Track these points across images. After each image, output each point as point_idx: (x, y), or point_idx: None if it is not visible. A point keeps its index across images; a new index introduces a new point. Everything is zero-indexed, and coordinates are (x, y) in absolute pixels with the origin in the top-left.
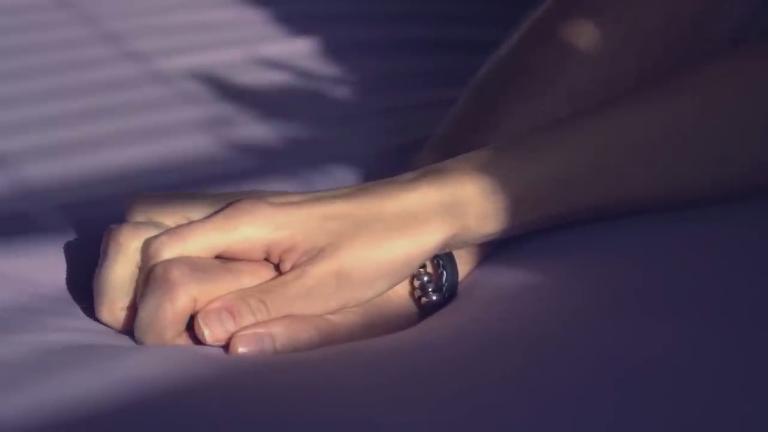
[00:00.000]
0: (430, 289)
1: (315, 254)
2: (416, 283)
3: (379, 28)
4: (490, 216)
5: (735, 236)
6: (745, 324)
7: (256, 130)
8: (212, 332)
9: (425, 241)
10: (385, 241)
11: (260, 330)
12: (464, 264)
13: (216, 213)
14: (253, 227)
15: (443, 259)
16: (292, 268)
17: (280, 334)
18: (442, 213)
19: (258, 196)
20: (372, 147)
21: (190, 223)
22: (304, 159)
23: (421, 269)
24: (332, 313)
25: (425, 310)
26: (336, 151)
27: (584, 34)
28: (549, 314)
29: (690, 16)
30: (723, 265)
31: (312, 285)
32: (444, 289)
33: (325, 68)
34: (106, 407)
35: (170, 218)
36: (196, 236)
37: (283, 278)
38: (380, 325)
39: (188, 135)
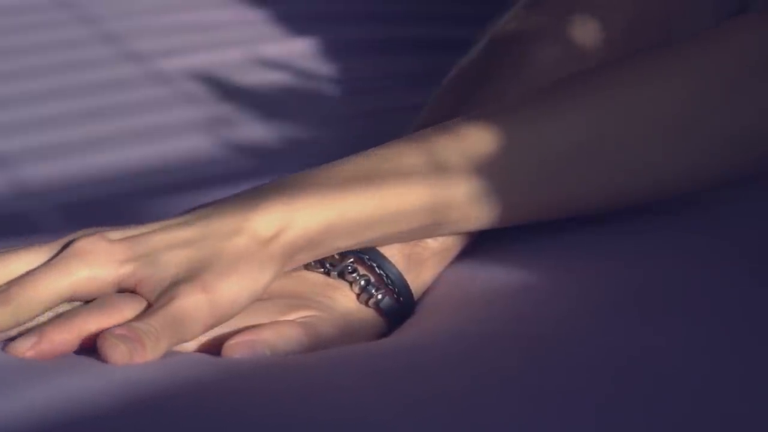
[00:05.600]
0: (373, 290)
1: (170, 282)
2: (356, 289)
3: (379, 28)
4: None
5: (731, 240)
6: (739, 326)
7: (256, 130)
8: (113, 350)
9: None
10: (240, 256)
11: (251, 337)
12: (422, 261)
13: (54, 258)
14: (96, 266)
15: (372, 256)
16: (158, 298)
17: (271, 338)
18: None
19: (97, 233)
20: (372, 147)
21: (31, 271)
22: (304, 159)
23: (354, 275)
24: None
25: (383, 314)
26: (336, 152)
27: (547, 37)
28: (544, 315)
29: (658, 21)
30: (719, 268)
31: (184, 309)
32: (392, 285)
33: (325, 68)
34: (103, 410)
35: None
36: (41, 283)
37: (152, 309)
38: (350, 334)
39: (188, 135)
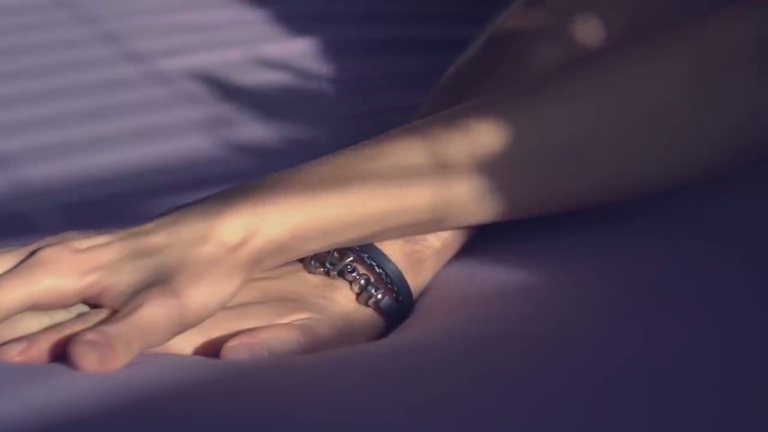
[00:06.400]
0: (372, 290)
1: (135, 290)
2: (355, 288)
3: (379, 28)
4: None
5: (731, 242)
6: (739, 327)
7: (256, 130)
8: (84, 354)
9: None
10: (208, 262)
11: (249, 339)
12: (422, 260)
13: (18, 266)
14: (58, 277)
15: (372, 255)
16: (127, 304)
17: (268, 340)
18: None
19: (62, 242)
20: None
21: None
22: (303, 159)
23: (354, 274)
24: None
25: (383, 314)
26: (335, 152)
27: (546, 36)
28: (544, 315)
29: (657, 20)
30: (719, 270)
31: (155, 312)
32: (391, 284)
33: (325, 68)
34: (100, 411)
35: None
36: (2, 292)
37: (121, 313)
38: (348, 334)
39: (188, 135)
